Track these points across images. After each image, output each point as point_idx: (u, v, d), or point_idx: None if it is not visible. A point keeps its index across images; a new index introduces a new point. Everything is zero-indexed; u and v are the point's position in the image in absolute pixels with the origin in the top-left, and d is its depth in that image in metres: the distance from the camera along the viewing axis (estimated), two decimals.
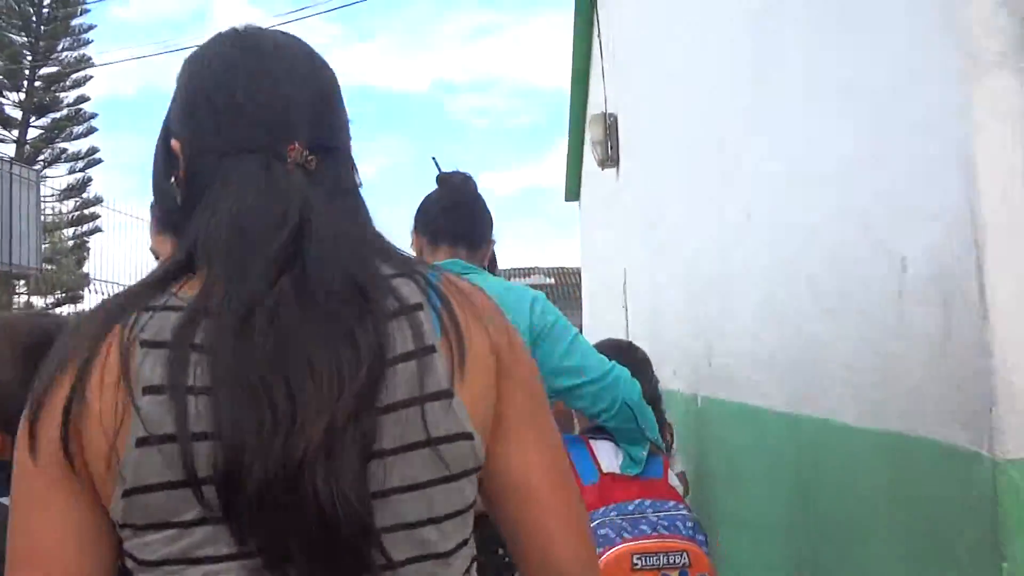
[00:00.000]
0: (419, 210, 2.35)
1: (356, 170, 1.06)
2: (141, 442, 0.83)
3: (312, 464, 0.82)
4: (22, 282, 15.43)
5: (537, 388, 1.04)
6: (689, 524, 2.27)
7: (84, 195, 21.55)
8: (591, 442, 2.41)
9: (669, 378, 4.35)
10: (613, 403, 2.22)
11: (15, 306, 15.84)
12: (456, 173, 2.43)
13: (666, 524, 2.23)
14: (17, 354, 1.51)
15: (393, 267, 0.97)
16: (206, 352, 0.85)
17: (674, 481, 2.52)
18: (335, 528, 0.83)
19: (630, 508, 2.24)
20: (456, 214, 2.32)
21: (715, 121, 3.51)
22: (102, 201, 14.09)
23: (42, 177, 18.09)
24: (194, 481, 0.82)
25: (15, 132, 23.63)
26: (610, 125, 6.36)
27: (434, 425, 0.90)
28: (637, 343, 4.64)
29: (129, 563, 0.88)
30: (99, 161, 24.29)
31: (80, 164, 23.95)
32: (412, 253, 1.94)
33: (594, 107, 7.52)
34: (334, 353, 0.86)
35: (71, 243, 19.74)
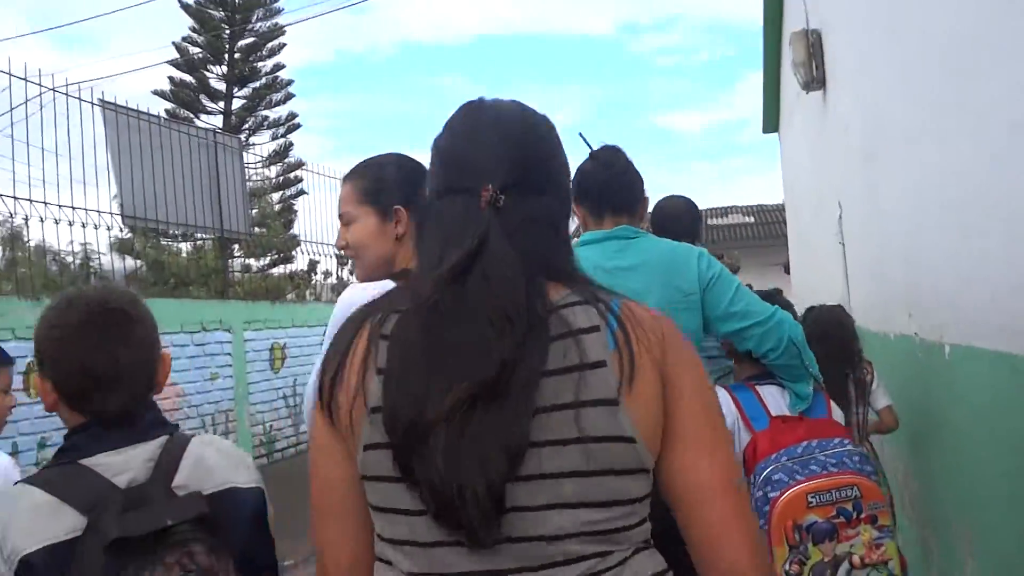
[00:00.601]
0: (576, 185, 2.50)
1: (566, 201, 1.34)
2: (372, 410, 1.17)
3: (441, 444, 1.10)
4: (236, 246, 16.26)
5: (704, 399, 1.22)
6: (856, 458, 2.37)
7: (287, 159, 22.52)
8: (757, 387, 2.58)
9: (904, 322, 3.90)
10: (779, 342, 2.44)
11: (232, 269, 16.75)
12: (605, 148, 2.62)
13: (834, 461, 2.33)
14: (83, 323, 1.59)
15: (577, 293, 1.22)
16: (403, 342, 1.18)
17: (838, 416, 2.64)
18: (472, 508, 1.09)
19: (798, 451, 2.35)
20: (614, 187, 2.54)
21: (954, 36, 3.03)
22: (304, 164, 14.48)
23: (246, 145, 19.04)
24: (386, 442, 1.15)
25: (221, 104, 24.94)
26: (813, 43, 5.81)
27: (590, 427, 1.12)
28: (856, 283, 4.34)
29: (372, 512, 1.22)
30: (298, 126, 25.33)
31: (281, 130, 25.06)
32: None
33: (792, 24, 6.94)
34: (467, 358, 1.12)
35: (278, 206, 20.69)
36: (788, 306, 2.92)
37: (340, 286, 15.41)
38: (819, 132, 6.39)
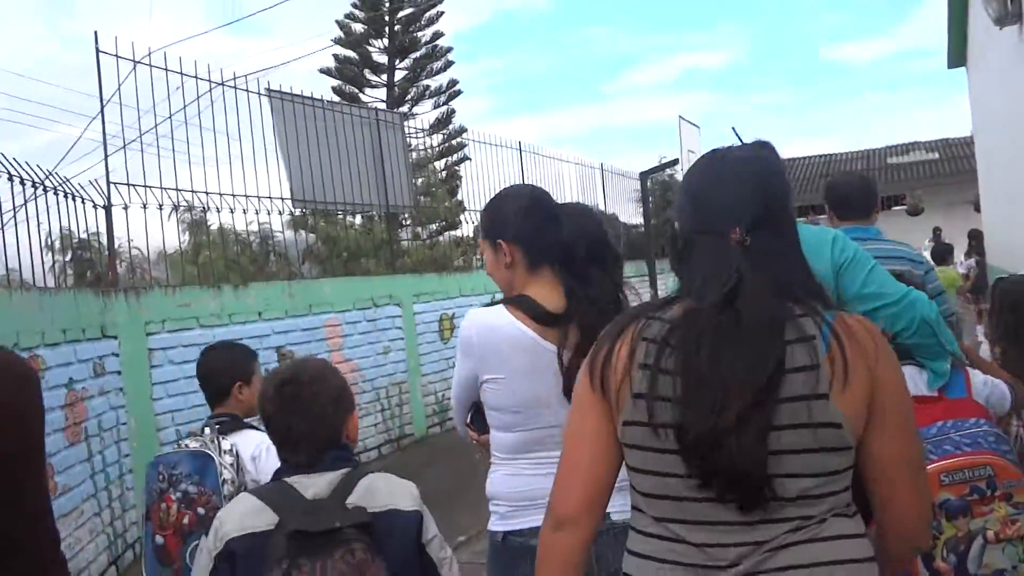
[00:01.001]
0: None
1: (795, 227, 1.65)
2: (635, 396, 1.51)
3: (729, 430, 1.43)
4: (405, 215, 16.62)
5: (902, 395, 1.55)
6: (991, 438, 2.42)
7: (449, 127, 22.79)
8: None
9: None
10: (912, 322, 2.53)
11: (402, 240, 17.14)
12: (757, 143, 2.62)
13: (968, 442, 2.40)
14: (272, 397, 2.18)
15: (802, 308, 1.52)
16: (676, 349, 1.49)
17: (978, 395, 2.68)
18: (740, 471, 1.43)
19: (932, 432, 2.41)
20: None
21: None
22: (465, 131, 14.60)
23: (409, 115, 19.41)
24: (652, 424, 1.49)
25: (384, 76, 25.48)
26: None
27: (816, 414, 1.45)
28: None
29: (627, 471, 1.59)
30: (459, 92, 25.61)
31: (442, 98, 25.41)
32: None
33: None
34: (749, 365, 1.45)
35: (443, 174, 21.00)
36: (919, 287, 2.81)
37: None
38: (1014, 69, 5.82)
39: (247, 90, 8.53)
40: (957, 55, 10.10)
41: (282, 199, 8.88)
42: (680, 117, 19.46)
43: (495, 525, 2.32)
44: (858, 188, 3.63)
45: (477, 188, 13.40)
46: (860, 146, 31.68)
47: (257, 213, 8.82)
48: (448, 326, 11.12)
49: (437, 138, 21.62)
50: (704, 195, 1.65)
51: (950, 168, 26.23)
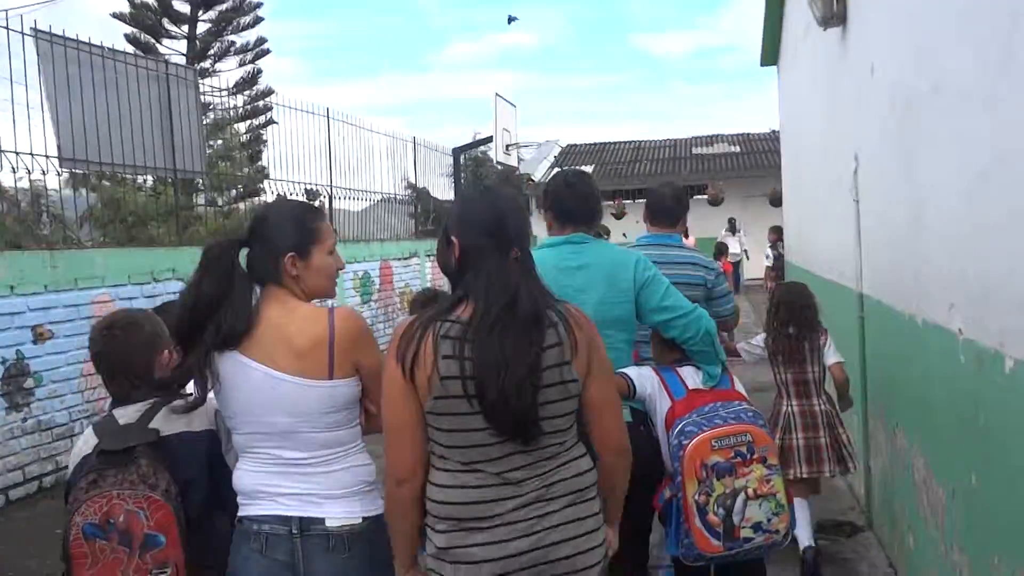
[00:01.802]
0: (548, 196, 3.26)
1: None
2: (443, 378, 2.08)
3: (514, 391, 2.05)
4: (199, 182, 15.44)
5: (604, 356, 2.28)
6: (750, 413, 3.00)
7: (255, 88, 21.53)
8: (678, 368, 3.19)
9: (941, 313, 3.28)
10: (697, 332, 3.05)
11: (195, 206, 15.95)
12: (574, 171, 3.41)
13: (733, 416, 2.95)
14: (98, 335, 2.61)
15: (547, 305, 2.19)
16: (472, 342, 2.08)
17: (740, 388, 3.24)
18: (520, 416, 2.08)
19: (706, 410, 2.98)
20: (579, 205, 3.22)
21: None
22: (273, 93, 13.65)
23: (208, 72, 18.14)
24: (464, 395, 2.08)
25: (185, 27, 23.71)
26: None
27: (564, 375, 2.15)
28: (874, 248, 3.95)
29: (430, 431, 2.16)
30: (267, 51, 24.14)
31: (249, 56, 23.90)
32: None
33: None
34: (525, 345, 2.09)
35: (245, 137, 19.78)
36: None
37: None
38: (834, 72, 5.70)
39: (7, 28, 7.40)
40: (770, 53, 10.14)
41: (47, 157, 7.78)
42: (496, 95, 19.10)
43: (239, 510, 2.43)
44: (671, 200, 4.16)
45: (282, 154, 12.59)
46: (667, 135, 32.48)
47: (29, 171, 7.76)
48: None
49: (241, 99, 20.36)
50: (494, 223, 2.21)
51: (750, 162, 27.26)
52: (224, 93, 13.06)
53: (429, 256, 17.15)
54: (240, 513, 2.38)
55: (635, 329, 3.22)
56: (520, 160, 24.23)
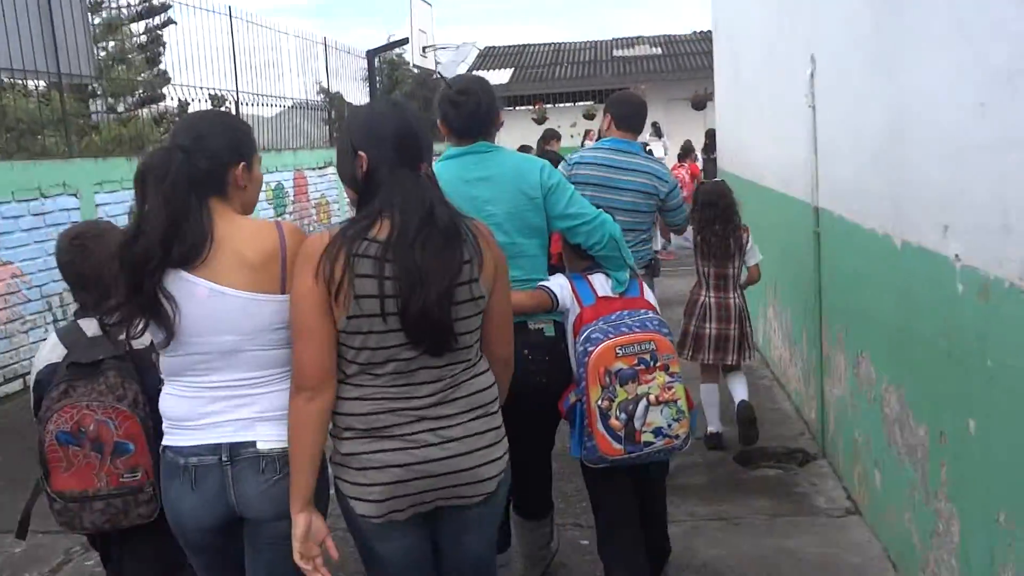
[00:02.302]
0: (442, 114, 3.14)
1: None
2: (357, 297, 2.08)
3: (435, 303, 2.08)
4: (93, 87, 14.34)
5: (506, 272, 2.35)
6: (655, 322, 3.05)
7: None
8: (588, 276, 3.20)
9: (934, 239, 2.91)
10: (603, 237, 3.10)
11: (93, 112, 14.87)
12: (467, 79, 3.35)
13: (638, 324, 3.01)
14: (67, 244, 2.69)
15: (458, 219, 2.20)
16: (392, 260, 2.08)
17: (649, 296, 3.27)
18: (439, 329, 2.12)
19: (612, 318, 3.03)
20: (473, 117, 3.11)
21: None
22: None
23: None
24: (381, 314, 2.08)
25: None
26: None
27: (473, 291, 2.18)
28: (834, 160, 4.37)
29: (341, 348, 2.15)
30: None
31: None
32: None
33: None
34: (447, 259, 2.12)
35: (142, 38, 18.46)
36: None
37: None
38: None
39: None
40: None
41: None
42: None
43: (164, 439, 2.34)
44: (638, 109, 4.44)
45: (183, 57, 11.65)
46: (587, 37, 31.66)
47: None
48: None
49: None
50: (406, 137, 2.20)
51: (673, 64, 26.76)
52: None
53: None
54: (166, 442, 2.30)
55: (547, 235, 3.21)
56: (437, 63, 23.34)
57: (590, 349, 2.92)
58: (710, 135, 14.63)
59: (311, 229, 14.41)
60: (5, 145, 11.12)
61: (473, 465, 2.21)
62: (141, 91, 15.50)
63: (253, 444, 2.22)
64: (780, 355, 6.28)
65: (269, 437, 2.22)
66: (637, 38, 30.40)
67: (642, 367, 2.93)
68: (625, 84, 25.88)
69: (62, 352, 2.54)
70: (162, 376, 2.32)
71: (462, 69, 28.41)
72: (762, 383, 6.39)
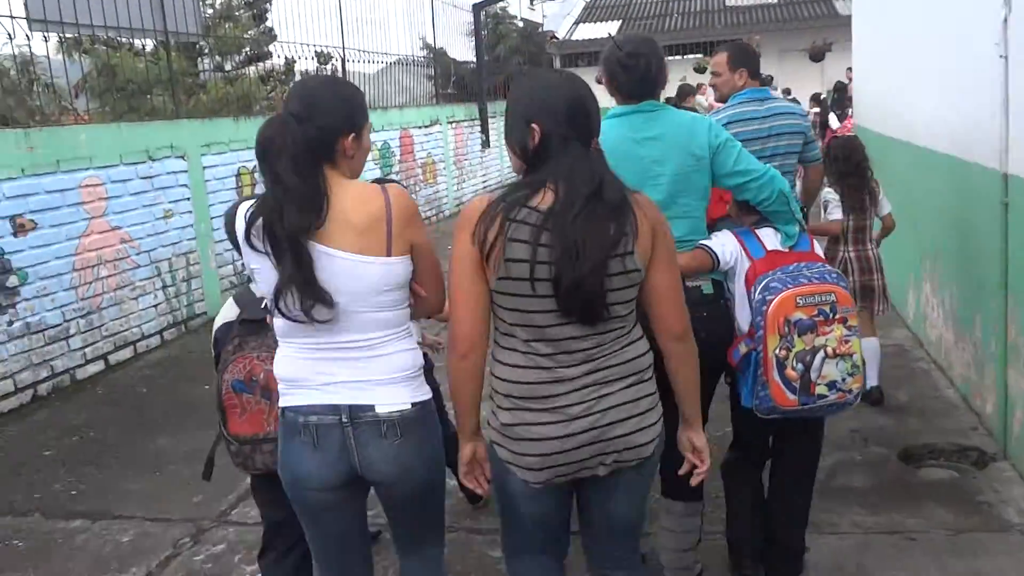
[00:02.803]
0: (608, 74, 3.11)
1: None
2: (507, 260, 2.10)
3: (587, 276, 2.07)
4: (201, 46, 14.24)
5: (669, 243, 2.26)
6: (834, 275, 3.02)
7: None
8: (756, 230, 3.17)
9: None
10: (772, 193, 3.06)
11: (200, 71, 14.80)
12: (635, 40, 3.15)
13: (817, 276, 2.97)
14: None
15: (627, 195, 2.18)
16: (552, 230, 2.08)
17: (819, 249, 3.26)
18: (592, 300, 2.11)
19: (790, 269, 3.00)
20: (644, 80, 3.06)
21: None
22: None
23: None
24: (530, 279, 2.09)
25: None
26: None
27: (627, 264, 2.14)
28: None
29: (495, 309, 2.21)
30: None
31: None
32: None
33: None
34: (606, 232, 2.09)
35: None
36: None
37: None
38: None
39: None
40: None
41: (12, 18, 6.73)
42: None
43: (280, 400, 2.36)
44: (758, 58, 4.51)
45: (288, 13, 11.37)
46: None
47: (11, 37, 6.75)
48: (249, 181, 9.33)
49: None
50: (579, 112, 2.18)
51: (788, 13, 25.51)
52: None
53: (452, 123, 16.05)
54: (284, 404, 2.33)
55: (709, 196, 3.17)
56: (543, 16, 22.75)
57: (769, 298, 2.91)
58: (840, 88, 13.93)
59: (417, 190, 14.11)
60: (116, 105, 11.05)
61: (628, 431, 2.23)
62: (248, 49, 15.34)
63: (372, 408, 2.25)
64: (939, 335, 5.63)
65: (388, 400, 2.26)
66: None
67: (821, 318, 2.90)
68: (738, 35, 24.78)
69: (236, 311, 2.79)
70: (277, 338, 2.36)
71: (568, 22, 27.71)
72: (918, 366, 5.77)
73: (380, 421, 2.25)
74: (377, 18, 13.45)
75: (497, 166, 18.65)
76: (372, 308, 2.23)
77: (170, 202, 8.05)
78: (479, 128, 17.61)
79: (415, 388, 2.32)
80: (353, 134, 2.26)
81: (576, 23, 27.79)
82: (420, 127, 14.48)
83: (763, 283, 2.95)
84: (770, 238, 3.13)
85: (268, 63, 16.00)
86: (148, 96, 11.05)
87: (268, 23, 16.93)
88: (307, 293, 2.15)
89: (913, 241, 5.94)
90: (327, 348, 2.25)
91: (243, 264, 2.56)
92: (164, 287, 7.92)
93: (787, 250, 3.10)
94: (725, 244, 3.09)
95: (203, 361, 7.51)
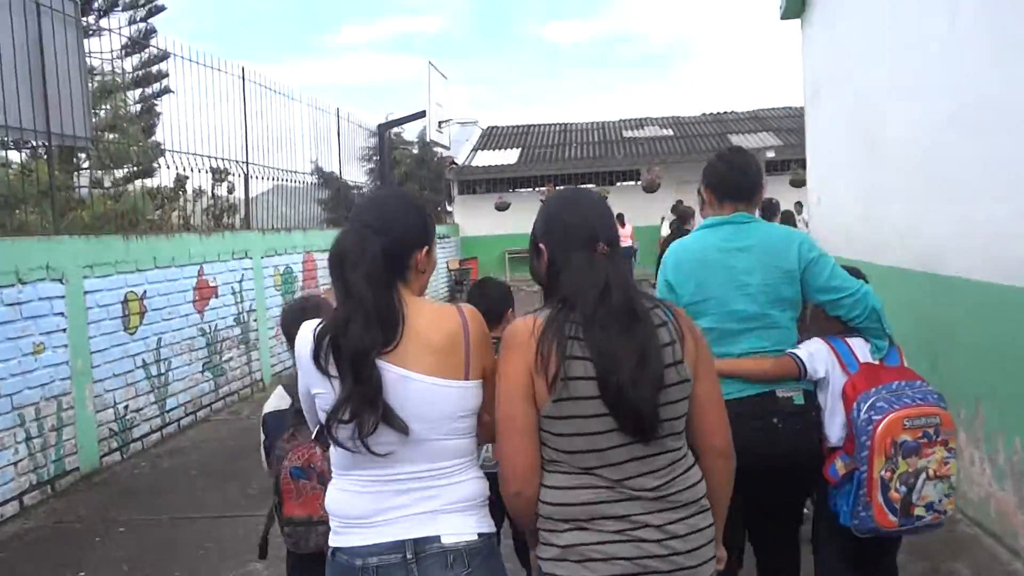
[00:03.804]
0: (705, 176, 3.29)
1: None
2: (568, 378, 2.02)
3: (628, 385, 2.00)
4: (84, 156, 12.91)
5: (709, 355, 2.23)
6: (935, 395, 3.04)
7: (148, 49, 18.67)
8: (847, 340, 3.19)
9: None
10: (864, 310, 3.11)
11: (76, 186, 13.40)
12: (732, 149, 3.41)
13: (920, 396, 3.00)
14: (294, 313, 3.14)
15: (649, 301, 2.16)
16: (583, 341, 2.05)
17: (907, 362, 3.26)
18: (639, 411, 2.01)
19: (893, 387, 3.02)
20: (739, 181, 3.20)
21: None
22: (168, 56, 11.08)
23: (95, 29, 15.41)
24: (587, 396, 2.03)
25: None
26: None
27: (680, 373, 2.09)
28: None
29: (545, 436, 2.09)
30: (163, 8, 21.19)
31: (141, 12, 20.91)
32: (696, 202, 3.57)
33: None
34: (632, 342, 2.04)
35: (136, 107, 17.10)
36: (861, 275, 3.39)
37: (216, 208, 12.35)
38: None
39: None
40: (794, 7, 8.44)
41: None
42: (430, 63, 17.00)
43: (330, 539, 2.18)
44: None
45: (183, 125, 10.22)
46: (588, 119, 30.71)
47: None
48: (136, 309, 8.00)
49: (132, 62, 17.59)
50: (577, 220, 2.19)
51: (686, 147, 25.76)
52: (112, 54, 10.62)
53: None
54: (336, 543, 2.14)
55: (800, 307, 3.20)
56: (450, 140, 22.14)
57: (875, 418, 2.94)
58: (788, 215, 14.59)
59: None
60: None
61: (695, 564, 2.09)
62: (136, 162, 14.02)
63: (437, 539, 2.09)
64: (987, 495, 4.77)
65: (454, 531, 2.10)
66: (645, 119, 29.52)
67: (925, 440, 2.95)
68: (637, 166, 24.84)
69: (288, 401, 3.01)
70: (334, 471, 2.19)
71: (467, 149, 27.30)
72: (961, 530, 4.88)
73: (446, 552, 2.10)
74: (281, 135, 12.43)
75: None
76: (445, 436, 2.11)
77: (42, 334, 6.66)
78: None
79: (480, 518, 2.17)
80: (427, 248, 2.22)
81: (475, 150, 27.44)
82: (323, 251, 13.36)
83: (868, 402, 2.98)
84: (860, 348, 3.18)
85: (155, 179, 14.69)
86: (16, 211, 9.68)
87: (156, 137, 15.74)
88: (368, 416, 2.00)
89: (936, 383, 5.13)
90: (392, 480, 2.10)
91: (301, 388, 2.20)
92: (28, 439, 6.44)
93: (878, 362, 3.17)
94: (814, 355, 3.12)
95: (75, 535, 6.18)
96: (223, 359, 9.73)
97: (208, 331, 9.41)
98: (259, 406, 10.47)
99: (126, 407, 7.72)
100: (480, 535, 2.13)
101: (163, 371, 8.40)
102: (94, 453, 7.19)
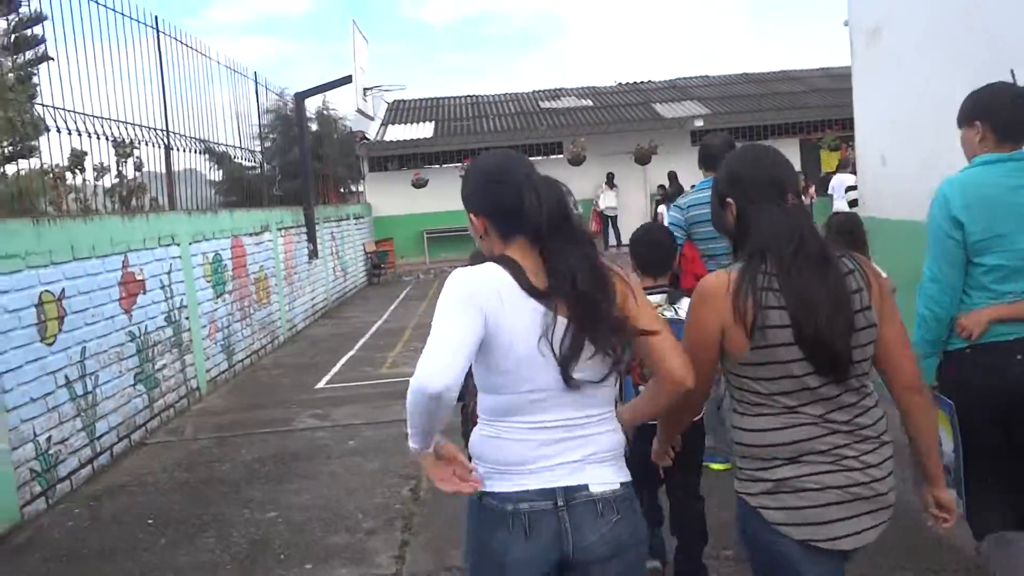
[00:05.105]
0: (984, 107, 3.14)
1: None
2: (765, 327, 2.15)
3: (825, 327, 2.12)
4: None
5: (892, 301, 2.30)
6: None
7: (20, 11, 16.30)
8: None
9: None
10: None
11: None
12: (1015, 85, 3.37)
13: None
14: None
15: (837, 250, 2.27)
16: (779, 290, 2.16)
17: None
18: (835, 353, 2.14)
19: None
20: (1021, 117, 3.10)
21: None
22: (45, 18, 9.15)
23: None
24: (784, 343, 2.16)
25: None
26: None
27: (868, 318, 2.19)
28: None
29: (745, 382, 2.26)
30: None
31: None
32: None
33: None
34: (826, 288, 2.15)
35: (10, 77, 14.84)
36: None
37: (126, 187, 10.47)
38: None
39: None
40: None
41: None
42: (354, 22, 15.30)
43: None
44: (725, 144, 5.06)
45: (66, 99, 8.26)
46: (504, 89, 29.35)
47: None
48: (54, 313, 6.26)
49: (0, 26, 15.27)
50: (765, 174, 2.30)
51: (608, 116, 24.65)
52: None
53: (281, 230, 13.26)
54: (487, 488, 2.15)
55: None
56: (373, 112, 20.31)
57: None
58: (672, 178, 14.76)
59: (252, 315, 11.18)
60: None
61: (886, 491, 2.23)
62: (19, 139, 11.95)
63: (586, 487, 2.14)
64: None
65: (602, 480, 2.16)
66: (560, 89, 28.29)
67: None
68: (559, 137, 23.60)
69: None
70: (481, 417, 2.21)
71: (375, 124, 25.45)
72: None
73: (595, 500, 2.14)
74: (204, 95, 10.63)
75: (323, 280, 15.94)
76: (605, 382, 2.16)
77: None
78: (306, 236, 14.90)
79: (619, 468, 2.22)
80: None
81: (384, 124, 25.69)
82: (251, 234, 11.63)
83: None
84: None
85: (40, 160, 12.61)
86: None
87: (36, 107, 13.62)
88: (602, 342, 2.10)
89: None
90: (547, 427, 2.12)
91: None
92: None
93: None
94: None
95: None
96: (155, 367, 7.99)
97: (138, 334, 7.67)
98: (199, 420, 8.88)
99: (48, 439, 5.99)
100: (622, 484, 2.20)
101: (90, 388, 6.67)
102: (12, 504, 5.48)
